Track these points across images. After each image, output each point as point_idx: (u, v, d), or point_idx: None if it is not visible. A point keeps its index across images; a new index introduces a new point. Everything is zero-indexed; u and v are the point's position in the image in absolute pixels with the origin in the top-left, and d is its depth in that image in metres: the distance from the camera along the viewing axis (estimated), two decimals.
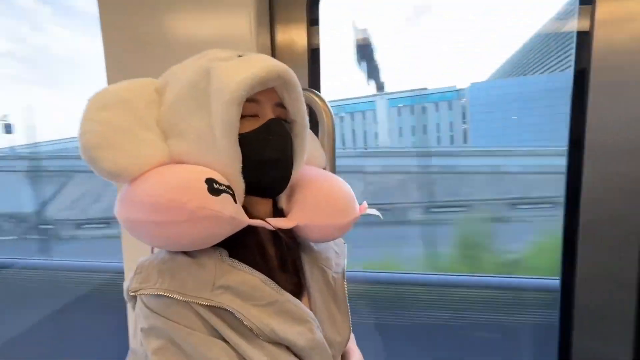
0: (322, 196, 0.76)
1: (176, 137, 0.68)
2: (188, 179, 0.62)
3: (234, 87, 0.63)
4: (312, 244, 0.83)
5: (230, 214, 0.63)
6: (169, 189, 0.60)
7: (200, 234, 0.62)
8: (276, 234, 0.74)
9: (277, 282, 0.69)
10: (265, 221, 0.71)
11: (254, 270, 0.68)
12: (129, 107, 0.66)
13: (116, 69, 1.13)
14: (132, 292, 0.65)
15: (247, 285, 0.66)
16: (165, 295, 0.62)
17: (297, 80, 0.71)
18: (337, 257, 0.86)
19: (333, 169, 1.06)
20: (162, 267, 0.65)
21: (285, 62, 0.71)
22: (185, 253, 0.67)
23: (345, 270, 0.85)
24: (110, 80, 1.12)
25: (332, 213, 0.75)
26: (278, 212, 0.78)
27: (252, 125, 0.69)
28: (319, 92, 1.17)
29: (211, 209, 0.60)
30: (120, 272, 1.29)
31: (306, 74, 1.22)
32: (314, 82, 1.25)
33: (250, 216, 0.69)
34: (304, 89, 0.79)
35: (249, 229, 0.70)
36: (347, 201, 0.78)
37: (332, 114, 1.07)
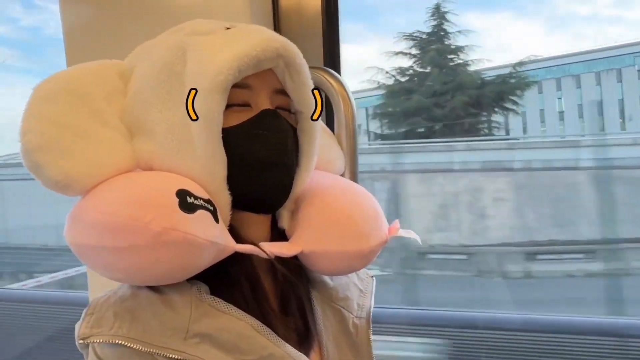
0: (334, 213, 0.64)
1: (142, 135, 0.59)
2: (153, 191, 0.53)
3: (216, 70, 0.54)
4: (325, 277, 0.70)
5: (208, 237, 0.53)
6: (127, 203, 0.52)
7: (168, 265, 0.52)
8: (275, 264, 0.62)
9: (275, 329, 0.58)
10: (259, 246, 0.59)
11: (243, 313, 0.57)
12: (82, 99, 0.57)
13: (76, 44, 0.95)
14: (81, 339, 0.55)
15: (232, 333, 0.55)
16: (123, 344, 0.53)
17: (302, 59, 0.61)
18: (361, 296, 0.73)
19: (354, 175, 0.88)
20: (121, 307, 0.56)
21: (291, 32, 0.63)
22: (152, 288, 0.57)
23: (371, 313, 0.72)
24: (70, 61, 0.96)
25: (348, 236, 0.63)
26: (278, 234, 0.66)
27: (240, 118, 0.58)
28: (339, 71, 0.97)
29: (182, 230, 0.51)
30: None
31: (320, 47, 1.01)
32: (331, 57, 1.04)
33: (240, 239, 0.59)
34: (315, 68, 0.68)
35: (238, 258, 0.59)
36: (369, 220, 0.65)
37: (353, 100, 0.87)
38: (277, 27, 0.95)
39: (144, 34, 0.65)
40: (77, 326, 0.57)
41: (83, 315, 0.57)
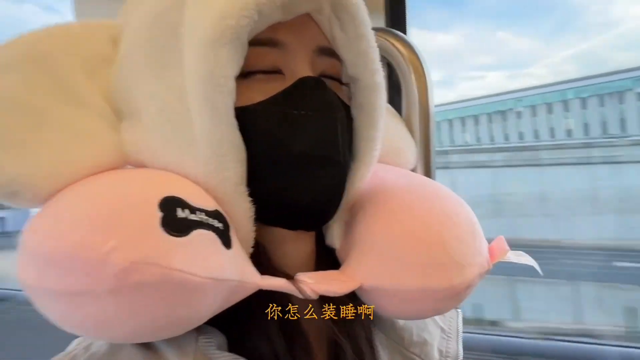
0: (411, 231, 0.45)
1: (130, 118, 0.44)
2: (125, 200, 0.37)
3: (221, 11, 0.38)
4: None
5: (210, 273, 0.36)
6: (80, 221, 0.35)
7: (145, 319, 0.36)
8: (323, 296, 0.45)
9: None
10: (296, 282, 0.43)
11: None
12: (49, 69, 0.42)
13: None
14: None
15: None
16: None
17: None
18: (444, 338, 0.56)
19: (429, 172, 0.70)
20: None
21: None
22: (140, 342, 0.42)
23: None
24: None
25: (434, 266, 0.44)
26: (326, 254, 0.50)
27: (267, 91, 0.42)
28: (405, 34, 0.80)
29: (164, 265, 0.34)
30: None
31: (382, 7, 0.83)
32: (396, 20, 0.86)
33: (270, 263, 0.44)
34: (377, 29, 0.50)
35: (268, 292, 0.43)
36: (466, 241, 0.46)
37: (428, 72, 0.68)
38: None
39: None
40: None
41: None
